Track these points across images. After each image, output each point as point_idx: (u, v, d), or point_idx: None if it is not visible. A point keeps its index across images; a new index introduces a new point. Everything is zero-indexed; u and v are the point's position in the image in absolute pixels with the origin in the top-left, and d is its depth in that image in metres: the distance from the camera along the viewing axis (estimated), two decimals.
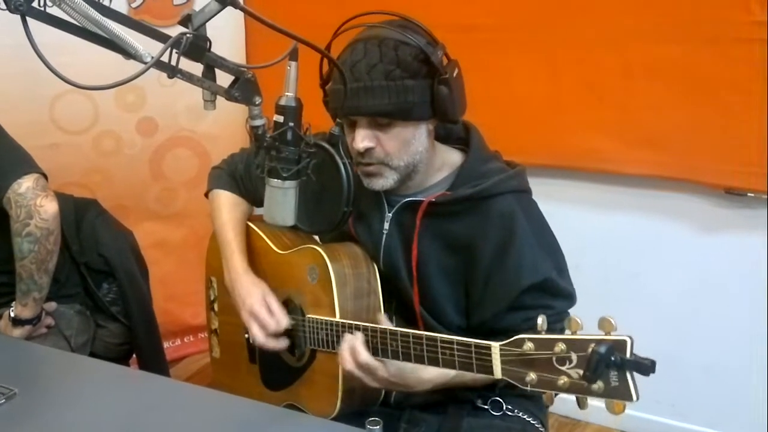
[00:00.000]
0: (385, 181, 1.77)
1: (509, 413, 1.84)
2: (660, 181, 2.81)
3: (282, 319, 1.87)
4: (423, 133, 1.74)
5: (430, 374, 1.71)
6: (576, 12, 2.72)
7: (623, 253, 2.98)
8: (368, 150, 1.72)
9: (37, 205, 2.11)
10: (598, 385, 1.26)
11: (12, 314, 2.21)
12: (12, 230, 2.13)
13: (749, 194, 2.67)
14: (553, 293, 1.77)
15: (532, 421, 1.86)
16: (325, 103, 1.78)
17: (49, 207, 2.14)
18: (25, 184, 2.12)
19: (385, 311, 1.84)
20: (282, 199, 1.44)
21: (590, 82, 2.78)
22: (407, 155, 1.74)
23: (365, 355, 1.66)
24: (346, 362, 1.68)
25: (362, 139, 1.71)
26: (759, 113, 2.52)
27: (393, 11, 1.70)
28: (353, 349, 1.68)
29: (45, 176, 2.19)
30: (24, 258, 2.14)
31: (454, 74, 1.66)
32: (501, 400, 1.83)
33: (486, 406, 1.83)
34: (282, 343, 1.89)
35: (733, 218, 2.75)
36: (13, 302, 2.22)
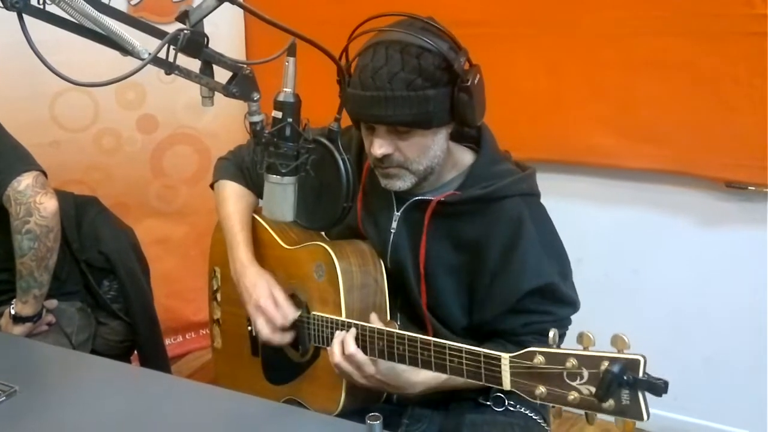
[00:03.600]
0: (403, 182, 1.76)
1: (511, 409, 1.83)
2: (661, 175, 2.81)
3: (289, 313, 1.86)
4: (442, 138, 1.73)
5: (421, 377, 1.72)
6: (576, 6, 2.72)
7: (625, 246, 2.98)
8: (386, 156, 1.71)
9: (36, 202, 2.11)
10: (609, 403, 1.25)
11: (12, 312, 2.21)
12: (12, 228, 2.13)
13: (750, 188, 2.66)
14: (556, 299, 1.77)
15: (534, 417, 1.85)
16: (340, 96, 1.77)
17: (49, 204, 2.14)
18: (25, 181, 2.12)
19: (390, 309, 1.84)
20: (281, 195, 1.44)
21: (591, 76, 2.78)
22: (426, 160, 1.73)
23: (353, 348, 1.66)
24: (335, 355, 1.69)
25: (380, 146, 1.69)
26: (760, 107, 2.52)
27: (408, 12, 1.68)
28: (342, 342, 1.68)
29: (44, 173, 2.19)
30: (24, 255, 2.14)
31: (476, 80, 1.64)
32: (503, 395, 1.82)
33: (488, 402, 1.83)
34: (287, 338, 1.89)
35: (734, 212, 2.75)
36: (14, 300, 2.22)
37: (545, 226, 1.81)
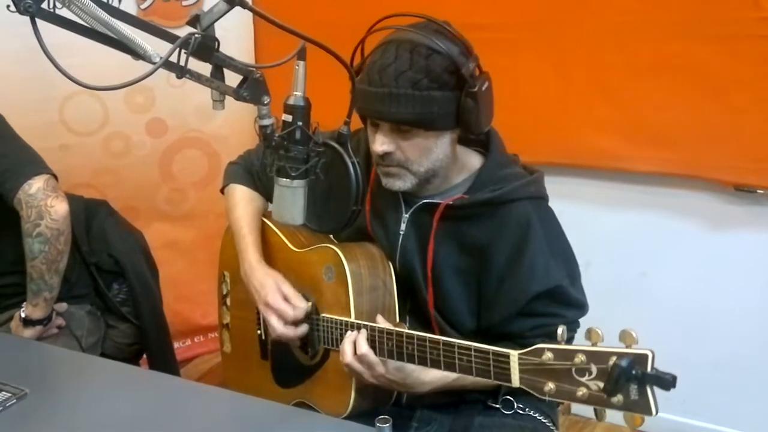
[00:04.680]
0: (403, 183, 1.77)
1: (520, 412, 1.84)
2: (669, 179, 2.80)
3: (299, 304, 1.87)
4: (445, 142, 1.74)
5: (430, 377, 1.73)
6: (584, 10, 2.72)
7: (633, 250, 2.98)
8: (387, 154, 1.72)
9: (47, 205, 2.12)
10: (618, 398, 1.25)
11: (23, 315, 2.21)
12: (23, 231, 2.14)
13: (759, 191, 2.66)
14: (564, 302, 1.77)
15: (543, 420, 1.86)
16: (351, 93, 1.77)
17: (60, 208, 2.14)
18: (36, 184, 2.13)
19: (399, 311, 1.84)
20: (291, 198, 1.45)
21: (598, 80, 2.78)
22: (427, 162, 1.74)
23: (365, 348, 1.67)
24: (346, 355, 1.70)
25: (381, 143, 1.71)
26: None
27: (423, 13, 1.69)
28: (354, 342, 1.70)
29: (55, 177, 2.20)
30: (35, 258, 2.15)
31: (483, 88, 1.65)
32: (512, 398, 1.83)
33: (497, 405, 1.83)
34: (301, 330, 1.89)
35: (743, 215, 2.75)
36: (24, 303, 2.22)
37: (553, 229, 1.82)
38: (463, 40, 1.68)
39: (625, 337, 1.26)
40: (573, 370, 1.32)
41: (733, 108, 2.58)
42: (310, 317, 1.89)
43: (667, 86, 2.67)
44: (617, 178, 2.92)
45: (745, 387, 2.85)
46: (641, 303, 2.92)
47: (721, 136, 2.63)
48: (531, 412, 1.85)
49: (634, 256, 2.98)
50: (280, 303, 1.88)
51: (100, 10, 1.20)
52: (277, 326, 1.87)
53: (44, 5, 1.16)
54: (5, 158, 2.17)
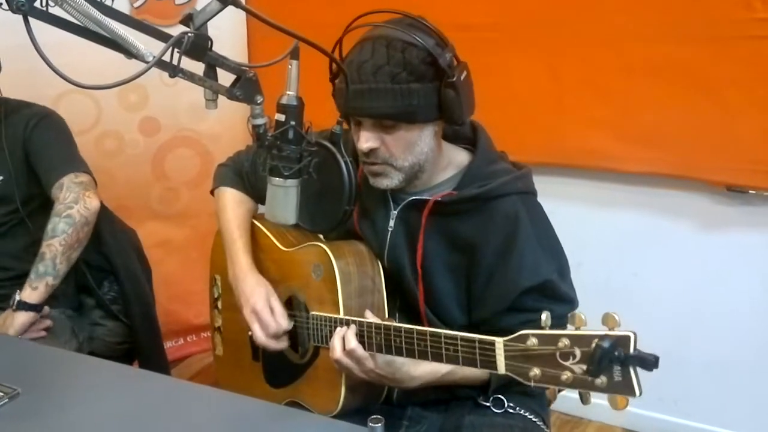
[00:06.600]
0: (390, 180, 1.77)
1: (511, 411, 1.84)
2: (661, 179, 2.81)
3: (283, 322, 1.89)
4: (429, 135, 1.74)
5: (420, 371, 1.73)
6: (576, 10, 2.72)
7: (625, 250, 2.98)
8: (372, 150, 1.72)
9: (85, 195, 2.30)
10: (602, 380, 1.27)
11: (18, 297, 2.22)
12: (53, 211, 2.26)
13: (750, 191, 2.67)
14: (553, 297, 1.77)
15: (533, 419, 1.86)
16: (333, 96, 1.78)
17: (95, 202, 2.33)
18: (82, 177, 2.37)
19: (388, 309, 1.85)
20: (283, 198, 1.45)
21: (591, 80, 2.78)
22: (412, 156, 1.74)
23: (354, 343, 1.68)
24: (335, 351, 1.70)
25: (366, 140, 1.71)
26: (760, 110, 2.53)
27: (401, 10, 1.69)
28: (343, 338, 1.70)
29: (96, 184, 2.41)
30: (55, 237, 2.23)
31: (462, 77, 1.65)
32: (503, 397, 1.83)
33: (488, 404, 1.84)
34: (282, 344, 1.91)
35: (735, 216, 2.75)
36: (18, 291, 2.23)
37: (542, 224, 1.82)
38: (438, 32, 1.68)
39: (607, 319, 1.27)
40: (557, 354, 1.33)
41: (726, 108, 2.59)
42: (299, 320, 1.90)
43: (659, 86, 2.68)
44: (609, 179, 2.93)
45: (737, 387, 2.86)
46: (633, 303, 2.92)
47: (714, 137, 2.64)
48: (522, 411, 1.85)
49: (626, 256, 2.99)
50: (267, 315, 1.89)
51: (92, 8, 1.19)
52: (260, 336, 1.89)
53: (37, 4, 1.16)
54: (62, 151, 2.43)
